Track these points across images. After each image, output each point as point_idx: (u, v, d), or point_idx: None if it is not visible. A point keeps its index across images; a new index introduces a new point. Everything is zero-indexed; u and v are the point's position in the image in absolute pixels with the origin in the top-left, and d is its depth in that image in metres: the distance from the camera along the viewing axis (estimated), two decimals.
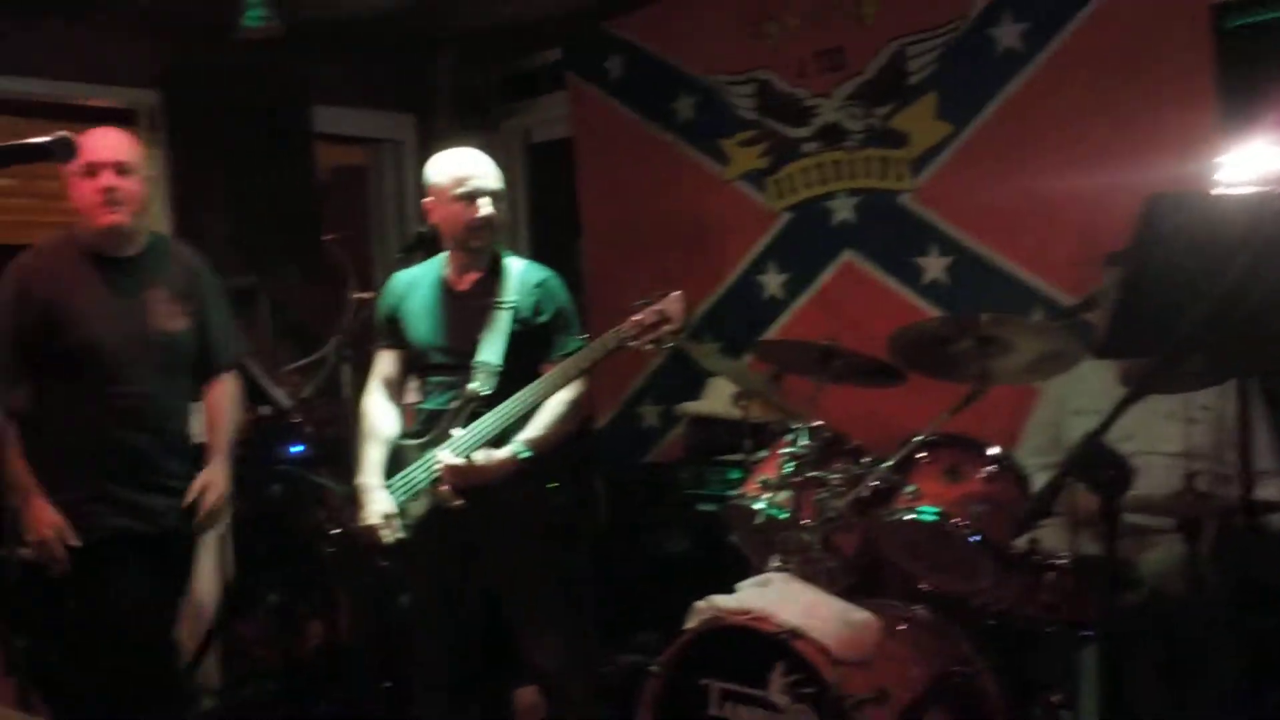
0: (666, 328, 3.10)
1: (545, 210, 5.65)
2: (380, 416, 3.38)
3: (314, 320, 4.24)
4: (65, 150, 2.43)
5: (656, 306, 3.11)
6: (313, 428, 4.37)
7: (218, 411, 3.48)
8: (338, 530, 3.92)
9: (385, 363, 3.45)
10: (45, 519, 3.14)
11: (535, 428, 3.22)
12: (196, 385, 3.47)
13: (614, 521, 5.06)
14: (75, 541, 3.14)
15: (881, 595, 3.20)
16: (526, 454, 3.19)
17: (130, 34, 4.65)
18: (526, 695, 4.17)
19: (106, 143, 3.21)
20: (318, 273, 4.62)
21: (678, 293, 3.11)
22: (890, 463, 3.13)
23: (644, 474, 4.84)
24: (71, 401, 3.22)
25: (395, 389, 3.46)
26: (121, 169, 3.18)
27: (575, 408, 3.29)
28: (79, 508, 3.18)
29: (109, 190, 3.15)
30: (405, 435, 3.35)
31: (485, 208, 3.25)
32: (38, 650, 3.89)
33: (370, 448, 3.33)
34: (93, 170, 3.15)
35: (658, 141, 4.83)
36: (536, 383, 3.18)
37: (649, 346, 3.14)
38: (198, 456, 3.42)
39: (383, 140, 5.67)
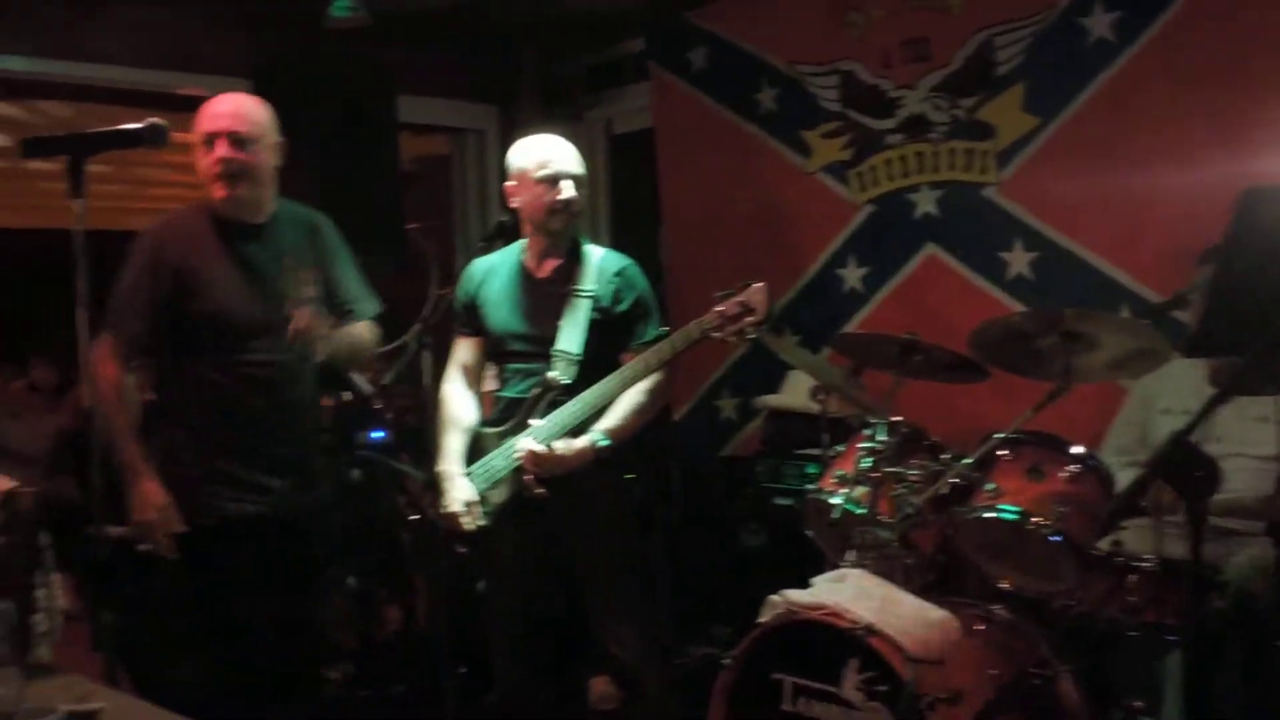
0: (749, 319, 3.08)
1: (626, 201, 5.66)
2: (459, 404, 3.40)
3: (396, 308, 4.29)
4: (156, 136, 2.50)
5: (739, 298, 3.09)
6: (393, 414, 4.43)
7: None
8: (417, 516, 3.98)
9: (463, 350, 3.47)
10: (151, 501, 3.04)
11: (614, 417, 3.22)
12: None
13: (690, 514, 5.07)
14: (181, 527, 3.05)
15: (959, 594, 3.16)
16: (605, 443, 3.20)
17: (223, 24, 4.74)
18: (600, 684, 4.20)
19: (222, 111, 3.11)
20: (401, 261, 4.67)
21: (761, 284, 3.09)
22: (970, 460, 3.08)
23: (721, 467, 4.83)
24: (199, 375, 3.14)
25: (473, 376, 3.49)
26: (236, 139, 3.08)
27: (654, 398, 3.28)
28: (198, 488, 3.11)
29: (223, 162, 3.07)
30: (485, 423, 3.37)
31: (567, 190, 3.27)
32: (125, 627, 4.00)
33: (450, 435, 3.36)
34: (209, 141, 3.09)
35: (740, 132, 4.80)
36: (617, 372, 3.18)
37: (732, 338, 3.12)
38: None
39: (466, 130, 5.72)
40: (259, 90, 4.51)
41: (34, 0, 4.42)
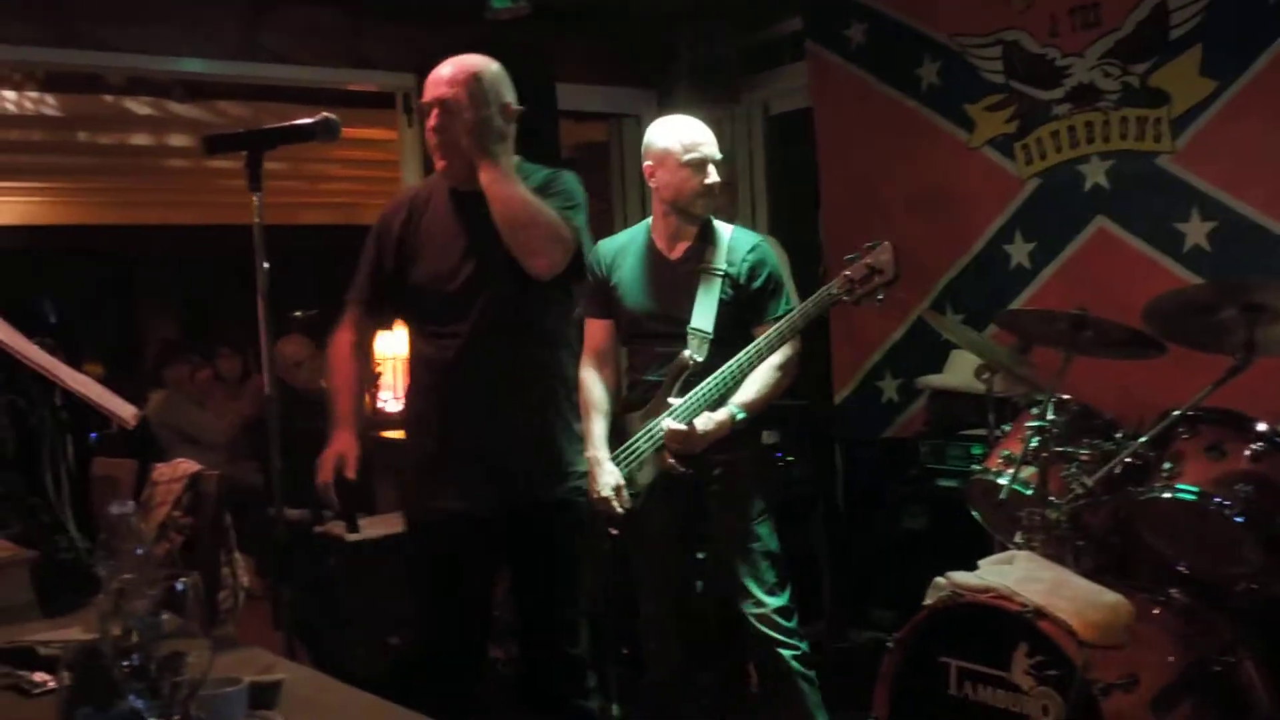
0: (878, 279, 3.06)
1: (784, 183, 5.62)
2: (597, 389, 3.41)
3: None
4: (328, 130, 2.58)
5: (866, 259, 3.08)
6: None
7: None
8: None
9: (597, 333, 3.47)
10: (332, 449, 2.89)
11: (749, 391, 3.24)
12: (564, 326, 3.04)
13: (851, 497, 5.02)
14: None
15: (1133, 577, 3.06)
16: (742, 416, 3.23)
17: (389, 20, 4.88)
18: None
19: (434, 79, 2.91)
20: None
21: (886, 243, 3.06)
22: (1145, 438, 2.98)
23: (883, 449, 4.77)
24: (418, 348, 2.98)
25: (608, 359, 3.49)
26: (444, 107, 2.85)
27: (785, 372, 3.30)
28: (413, 479, 2.99)
29: (433, 132, 2.89)
30: (625, 407, 3.41)
31: (713, 175, 3.30)
32: (303, 605, 4.15)
33: (594, 421, 3.36)
34: (424, 111, 2.93)
35: (900, 109, 4.72)
36: (752, 345, 3.19)
37: (863, 300, 3.10)
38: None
39: (624, 116, 5.76)
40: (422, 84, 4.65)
41: (211, 5, 4.62)
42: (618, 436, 3.37)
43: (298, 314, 6.62)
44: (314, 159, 7.27)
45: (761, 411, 3.30)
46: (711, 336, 3.25)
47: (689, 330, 3.26)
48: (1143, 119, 3.99)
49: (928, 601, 2.91)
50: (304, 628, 4.21)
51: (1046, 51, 4.23)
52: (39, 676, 1.77)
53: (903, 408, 4.80)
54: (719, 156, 3.34)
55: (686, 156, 3.29)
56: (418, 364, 3.00)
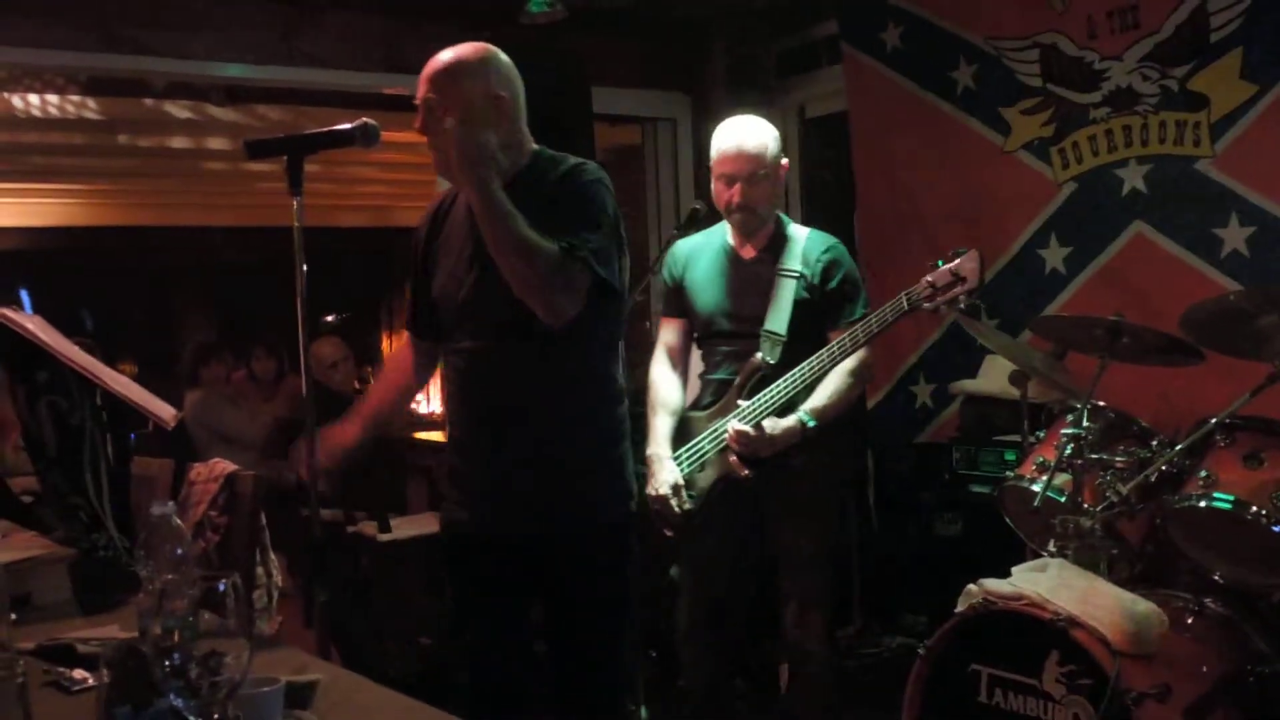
0: (961, 288, 2.95)
1: (819, 184, 5.61)
2: (666, 387, 3.39)
3: None
4: (368, 135, 2.59)
5: (950, 265, 2.97)
6: None
7: None
8: None
9: (669, 332, 3.46)
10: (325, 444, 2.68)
11: (820, 397, 3.17)
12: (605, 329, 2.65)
13: (883, 501, 5.01)
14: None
15: (1168, 586, 3.03)
16: (812, 423, 3.15)
17: (426, 25, 4.91)
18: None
19: (421, 75, 2.65)
20: None
21: (974, 250, 2.96)
22: (1182, 446, 2.95)
23: (915, 453, 4.75)
24: (446, 364, 2.75)
25: (679, 358, 3.47)
26: (426, 107, 2.60)
27: (858, 378, 3.24)
28: (445, 490, 2.79)
29: (421, 134, 2.64)
30: (693, 406, 3.37)
31: (736, 196, 3.25)
32: (336, 605, 4.18)
33: (658, 418, 3.34)
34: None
35: (936, 112, 4.70)
36: (824, 350, 3.12)
37: (943, 307, 3.00)
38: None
39: (658, 119, 5.77)
40: None
41: (251, 11, 4.66)
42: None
43: (329, 319, 6.67)
44: (349, 162, 7.32)
45: (833, 419, 3.19)
46: (785, 339, 3.19)
47: (762, 332, 3.21)
48: (1181, 123, 3.96)
49: (959, 608, 2.89)
50: (335, 627, 4.24)
51: (1085, 54, 4.20)
52: (78, 674, 1.79)
53: (936, 413, 4.79)
54: (750, 171, 3.22)
55: (716, 170, 3.30)
56: (443, 377, 2.82)
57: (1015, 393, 3.60)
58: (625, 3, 5.00)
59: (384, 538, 4.83)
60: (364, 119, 2.57)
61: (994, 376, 4.21)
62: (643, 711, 3.83)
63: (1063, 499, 3.03)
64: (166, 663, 1.19)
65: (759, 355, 3.20)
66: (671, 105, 5.69)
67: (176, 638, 1.27)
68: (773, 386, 3.14)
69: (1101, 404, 3.13)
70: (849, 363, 3.16)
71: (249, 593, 2.92)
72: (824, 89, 5.40)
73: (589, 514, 2.60)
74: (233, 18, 4.64)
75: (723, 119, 3.42)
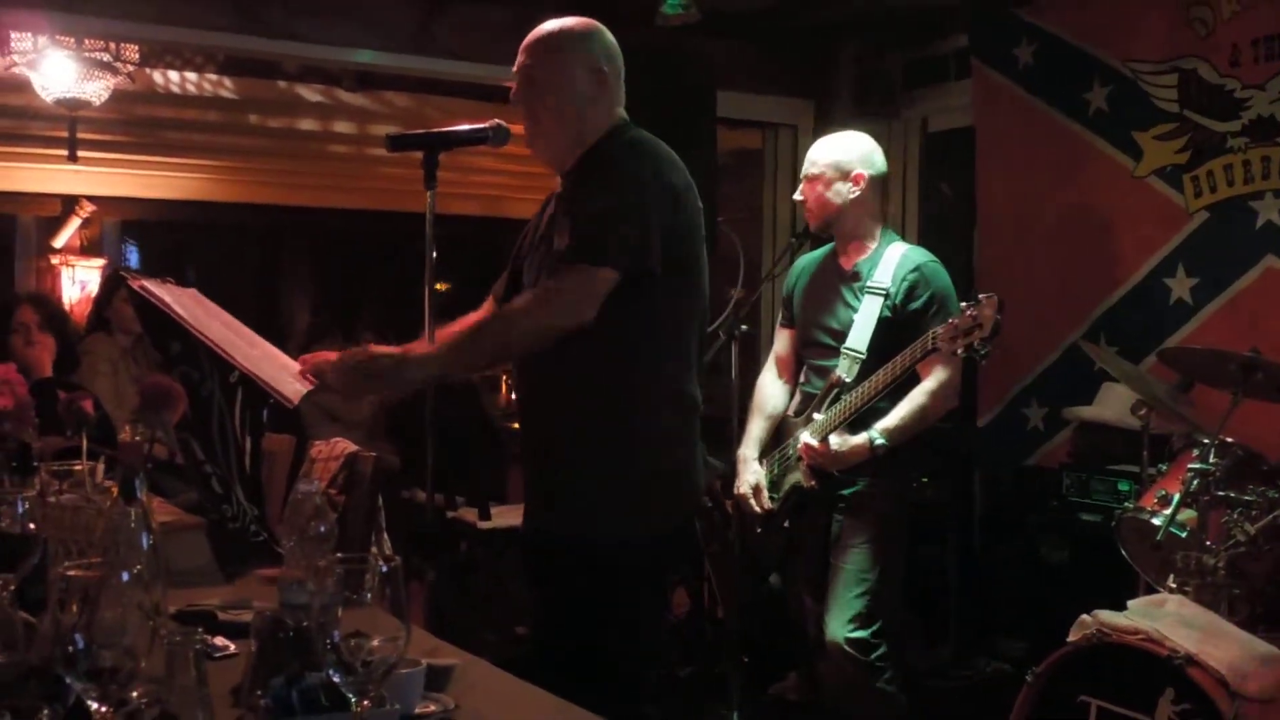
0: (976, 334, 2.93)
1: (939, 199, 5.56)
2: (768, 392, 3.54)
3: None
4: (499, 136, 2.65)
5: (971, 311, 2.96)
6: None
7: None
8: (709, 503, 4.08)
9: (780, 340, 3.59)
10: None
11: (894, 417, 3.18)
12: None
13: (987, 523, 4.94)
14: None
15: None
16: (882, 442, 3.16)
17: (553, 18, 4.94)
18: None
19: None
20: (710, 252, 4.75)
21: (993, 296, 2.94)
22: None
23: (1024, 476, 4.68)
24: None
25: (786, 366, 3.57)
26: (523, 76, 2.56)
27: (936, 400, 3.19)
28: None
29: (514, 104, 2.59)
30: (795, 413, 3.45)
31: (797, 194, 3.44)
32: (438, 588, 4.26)
33: (753, 422, 3.51)
34: None
35: (1065, 132, 4.62)
36: (879, 371, 3.12)
37: (961, 351, 2.98)
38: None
39: (780, 125, 5.75)
40: None
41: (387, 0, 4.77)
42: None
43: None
44: (468, 150, 7.40)
45: (906, 439, 3.18)
46: (864, 356, 3.21)
47: (843, 350, 3.26)
48: None
49: (1072, 637, 2.85)
50: (436, 611, 4.31)
51: (1226, 82, 4.11)
52: (219, 640, 1.85)
53: (1048, 437, 4.71)
54: (814, 172, 3.38)
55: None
56: None
57: (1135, 422, 3.54)
58: (754, 7, 4.99)
59: (484, 525, 4.90)
60: (497, 120, 2.63)
61: (1112, 404, 4.13)
62: (735, 716, 3.84)
63: (1184, 534, 2.98)
64: (327, 640, 1.23)
65: (838, 373, 3.23)
66: (794, 111, 5.67)
67: (327, 616, 1.30)
68: (841, 402, 3.20)
69: (1230, 440, 3.06)
70: (928, 383, 3.16)
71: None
72: (949, 103, 5.35)
73: (575, 528, 2.40)
74: (367, 6, 4.73)
75: (844, 127, 3.48)
